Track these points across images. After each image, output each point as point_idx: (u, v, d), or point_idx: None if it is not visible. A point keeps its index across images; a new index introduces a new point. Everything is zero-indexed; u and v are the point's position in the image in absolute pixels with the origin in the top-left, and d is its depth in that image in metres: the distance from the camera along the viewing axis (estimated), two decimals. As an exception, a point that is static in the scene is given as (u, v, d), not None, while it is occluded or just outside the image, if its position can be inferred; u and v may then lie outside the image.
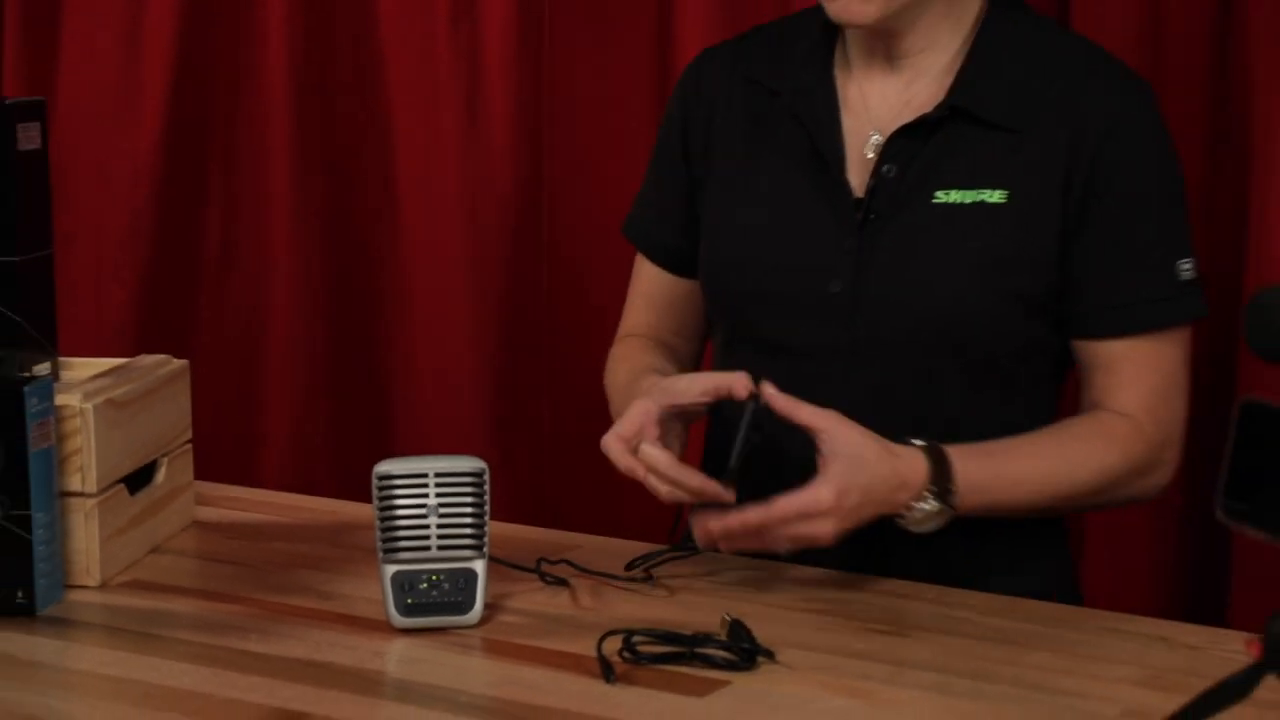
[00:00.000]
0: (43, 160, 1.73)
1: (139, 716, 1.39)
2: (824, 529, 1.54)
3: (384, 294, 2.51)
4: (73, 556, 1.65)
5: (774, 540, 1.55)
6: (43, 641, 1.53)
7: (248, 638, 1.53)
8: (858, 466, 1.54)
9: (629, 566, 1.63)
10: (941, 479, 1.57)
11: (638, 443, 1.57)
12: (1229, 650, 1.46)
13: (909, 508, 1.57)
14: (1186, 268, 1.66)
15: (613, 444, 1.58)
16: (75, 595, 1.63)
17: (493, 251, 2.41)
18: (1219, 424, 1.90)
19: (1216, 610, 2.04)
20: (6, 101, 1.69)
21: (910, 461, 1.56)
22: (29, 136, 1.70)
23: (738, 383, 1.56)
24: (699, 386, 1.60)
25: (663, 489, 1.57)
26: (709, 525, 1.54)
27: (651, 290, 1.86)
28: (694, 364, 1.87)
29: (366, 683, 1.45)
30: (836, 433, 1.54)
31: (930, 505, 1.57)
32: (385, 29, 2.45)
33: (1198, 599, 2.08)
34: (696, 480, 1.56)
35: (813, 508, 1.52)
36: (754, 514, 1.52)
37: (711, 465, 1.58)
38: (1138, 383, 1.67)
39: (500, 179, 2.41)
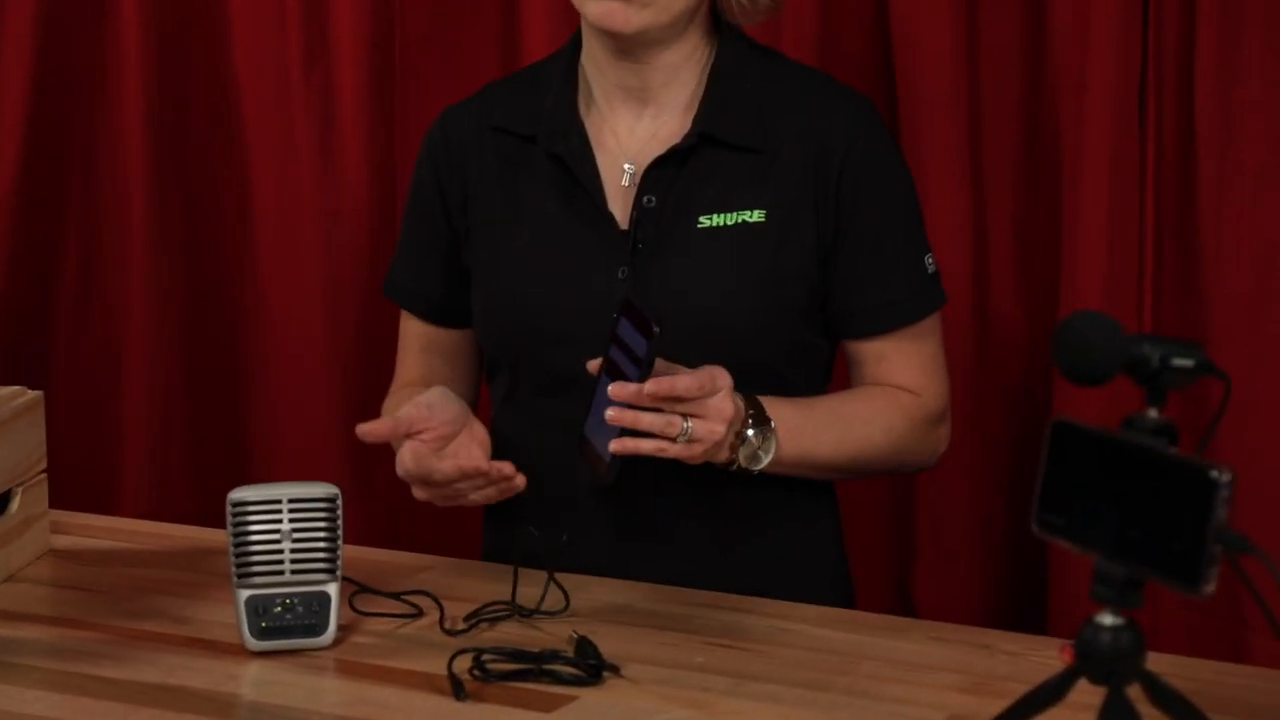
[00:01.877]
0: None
1: (-8, 743, 1.36)
2: (723, 409, 1.56)
3: (241, 324, 2.48)
4: (-73, 586, 1.61)
5: (669, 423, 1.53)
6: (-104, 671, 1.50)
7: (101, 663, 1.50)
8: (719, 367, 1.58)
9: (468, 618, 1.58)
10: (755, 406, 1.61)
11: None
12: (1046, 656, 1.48)
13: (740, 436, 1.59)
14: (930, 262, 1.76)
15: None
16: (-71, 625, 1.60)
17: (347, 285, 2.39)
18: (1034, 442, 1.94)
19: (1036, 618, 2.07)
20: None
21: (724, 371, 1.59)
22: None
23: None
24: (460, 462, 1.62)
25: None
26: (614, 390, 1.52)
27: (424, 344, 1.86)
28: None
29: (220, 705, 1.43)
30: (683, 368, 1.58)
31: (753, 433, 1.60)
32: (240, 68, 2.43)
33: (1018, 608, 2.11)
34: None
35: (713, 380, 1.55)
36: (662, 382, 1.52)
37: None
38: (907, 367, 1.75)
39: (354, 215, 2.39)
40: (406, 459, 1.62)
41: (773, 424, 1.61)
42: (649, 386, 1.51)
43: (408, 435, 1.62)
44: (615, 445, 1.53)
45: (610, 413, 1.52)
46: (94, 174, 2.49)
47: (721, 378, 1.56)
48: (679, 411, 1.54)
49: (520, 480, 1.62)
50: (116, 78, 2.45)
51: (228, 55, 2.42)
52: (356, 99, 2.36)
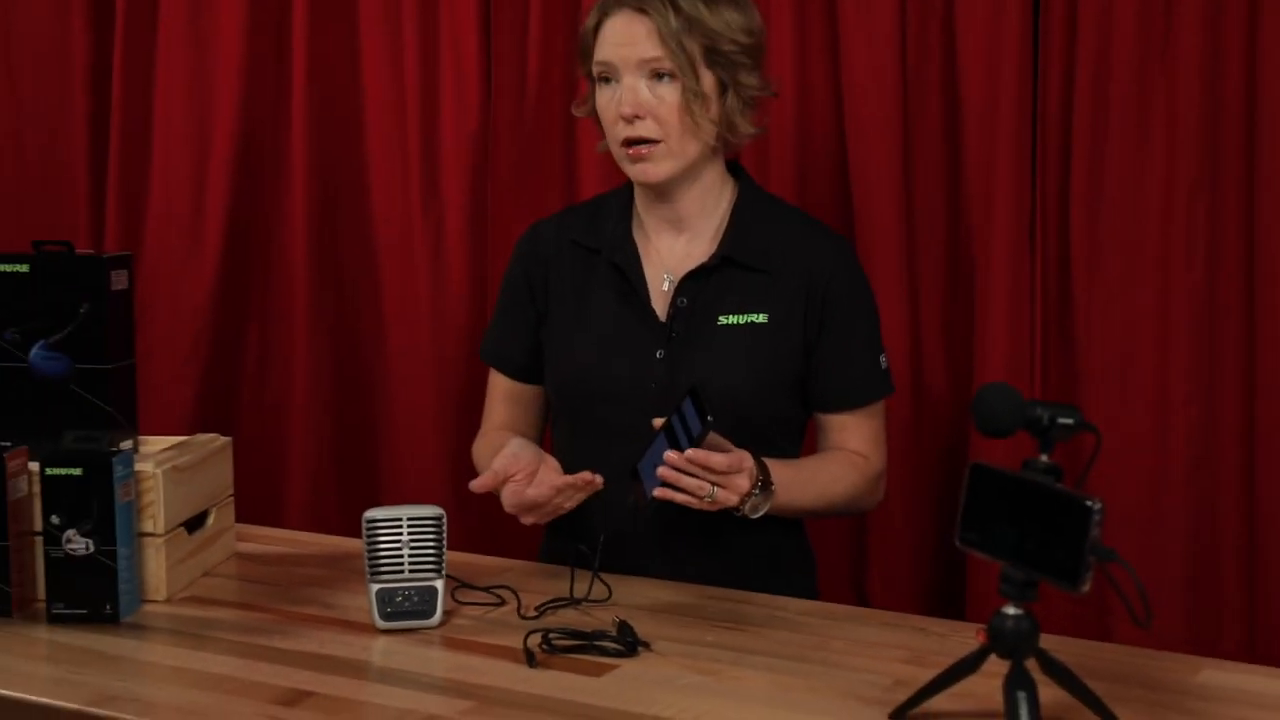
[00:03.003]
0: (129, 297, 1.70)
1: (192, 694, 1.36)
2: (742, 485, 1.55)
3: (374, 387, 2.48)
4: (147, 579, 1.61)
5: (701, 487, 1.53)
6: (123, 641, 1.50)
7: (273, 637, 1.50)
8: (744, 452, 1.58)
9: (538, 606, 1.57)
10: (764, 472, 1.60)
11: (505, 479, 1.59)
12: (966, 637, 1.46)
13: (748, 495, 1.57)
14: (883, 360, 1.76)
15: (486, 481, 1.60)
16: (148, 607, 1.61)
17: (450, 364, 2.39)
18: (957, 479, 1.92)
19: (958, 609, 2.05)
20: (104, 255, 1.67)
21: (748, 454, 1.59)
22: (119, 279, 1.69)
23: (581, 478, 1.58)
24: (551, 482, 1.59)
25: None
26: (669, 455, 1.51)
27: (506, 398, 1.85)
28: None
29: (357, 669, 1.43)
30: (726, 443, 1.58)
31: (758, 493, 1.59)
32: (377, 205, 2.44)
33: (945, 601, 2.09)
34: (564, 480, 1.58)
35: (740, 463, 1.55)
36: (701, 454, 1.50)
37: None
38: (861, 437, 1.75)
39: (455, 306, 2.40)
40: (509, 499, 1.60)
41: (774, 488, 1.60)
42: (690, 453, 1.51)
43: (504, 481, 1.60)
44: (658, 492, 1.53)
45: (662, 470, 1.52)
46: (270, 282, 2.51)
47: (746, 461, 1.56)
48: (709, 480, 1.53)
49: (598, 479, 1.59)
50: (288, 213, 2.47)
51: (368, 196, 2.44)
52: (458, 226, 2.37)
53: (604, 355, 1.73)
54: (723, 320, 1.71)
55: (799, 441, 1.80)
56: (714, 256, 1.72)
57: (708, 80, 1.67)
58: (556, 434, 1.82)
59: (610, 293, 1.75)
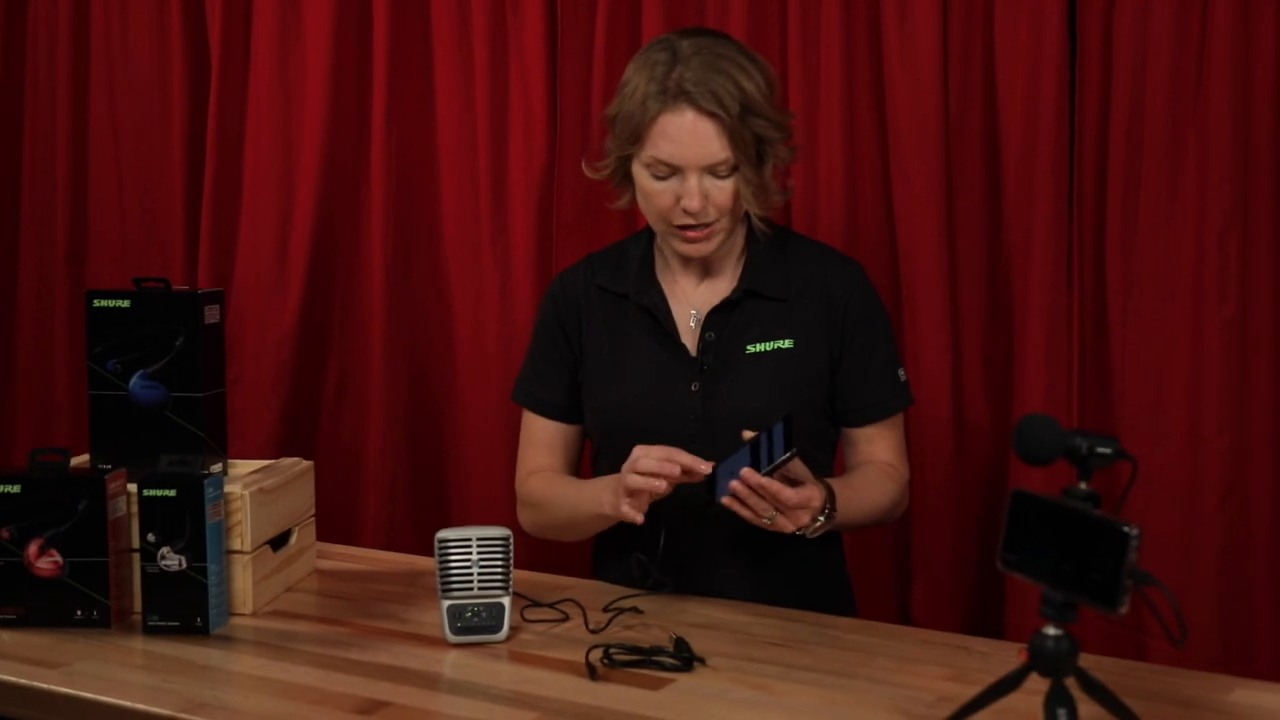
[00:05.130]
0: (220, 330, 1.73)
1: (275, 703, 1.37)
2: (803, 520, 1.55)
3: (445, 415, 2.49)
4: (234, 594, 1.63)
5: (765, 509, 1.52)
6: (212, 651, 1.52)
7: (350, 649, 1.51)
8: (818, 489, 1.57)
9: (606, 608, 1.59)
10: (833, 501, 1.59)
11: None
12: (1007, 655, 1.46)
13: (813, 520, 1.57)
14: (902, 374, 1.76)
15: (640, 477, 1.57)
16: (236, 620, 1.62)
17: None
18: (996, 504, 1.91)
19: (999, 628, 2.02)
20: (198, 291, 1.70)
21: (821, 490, 1.58)
22: (211, 313, 1.71)
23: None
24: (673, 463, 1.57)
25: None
26: (745, 474, 1.50)
27: (545, 438, 1.82)
28: None
29: (429, 680, 1.43)
30: (807, 474, 1.57)
31: (823, 519, 1.59)
32: (448, 241, 2.46)
33: (987, 621, 2.06)
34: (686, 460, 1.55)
35: (808, 500, 1.54)
36: (774, 485, 1.50)
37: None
38: (888, 447, 1.75)
39: (523, 339, 2.39)
40: (634, 478, 1.56)
41: (836, 514, 1.60)
42: (765, 482, 1.51)
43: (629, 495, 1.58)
44: (725, 500, 1.53)
45: (735, 484, 1.51)
46: (348, 316, 2.53)
47: (814, 500, 1.55)
48: (775, 506, 1.53)
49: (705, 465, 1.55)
50: (366, 252, 2.49)
51: (440, 233, 2.46)
52: (525, 261, 2.38)
53: (642, 392, 1.73)
54: (750, 349, 1.71)
55: (833, 455, 1.79)
56: (736, 290, 1.72)
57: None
58: (598, 470, 1.81)
59: (642, 333, 1.75)
